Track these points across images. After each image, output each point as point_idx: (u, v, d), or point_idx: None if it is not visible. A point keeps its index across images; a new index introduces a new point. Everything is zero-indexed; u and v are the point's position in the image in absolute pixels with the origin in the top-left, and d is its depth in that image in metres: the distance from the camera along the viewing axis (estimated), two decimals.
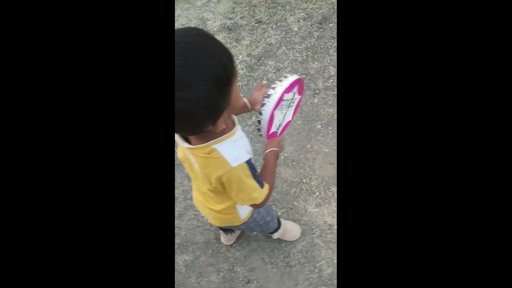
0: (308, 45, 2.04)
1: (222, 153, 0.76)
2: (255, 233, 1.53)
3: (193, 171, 0.90)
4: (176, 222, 1.60)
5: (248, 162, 0.80)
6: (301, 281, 1.43)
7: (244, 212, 1.07)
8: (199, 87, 0.59)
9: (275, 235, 1.41)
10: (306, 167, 1.66)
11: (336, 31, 2.04)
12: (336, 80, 1.89)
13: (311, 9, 2.18)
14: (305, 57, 2.00)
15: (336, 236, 1.50)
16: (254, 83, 1.96)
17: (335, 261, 1.45)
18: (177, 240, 1.56)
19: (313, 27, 2.10)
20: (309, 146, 1.72)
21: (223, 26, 2.20)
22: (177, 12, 2.34)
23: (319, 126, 1.77)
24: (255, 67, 2.01)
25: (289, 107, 0.92)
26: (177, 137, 0.80)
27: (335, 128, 1.74)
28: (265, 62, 2.02)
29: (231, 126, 0.81)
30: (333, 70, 1.93)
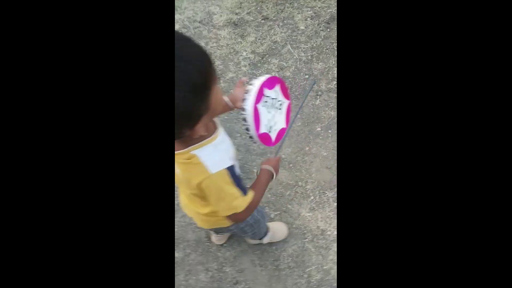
0: (314, 45, 2.00)
1: (202, 159, 0.75)
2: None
3: (176, 175, 0.88)
4: None
5: (230, 169, 0.78)
6: (289, 285, 1.41)
7: None
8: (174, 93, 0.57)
9: (265, 240, 1.40)
10: (303, 170, 1.64)
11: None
12: None
13: (319, 7, 2.13)
14: (309, 57, 1.96)
15: (327, 242, 1.48)
16: None
17: (325, 267, 1.43)
18: None
19: (320, 27, 2.06)
20: (307, 148, 1.69)
21: (229, 21, 2.17)
22: (184, 4, 2.32)
23: (319, 129, 1.74)
24: (259, 64, 1.98)
25: (277, 108, 0.89)
26: None
27: (335, 131, 1.71)
28: (269, 60, 1.98)
29: (213, 130, 0.79)
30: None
